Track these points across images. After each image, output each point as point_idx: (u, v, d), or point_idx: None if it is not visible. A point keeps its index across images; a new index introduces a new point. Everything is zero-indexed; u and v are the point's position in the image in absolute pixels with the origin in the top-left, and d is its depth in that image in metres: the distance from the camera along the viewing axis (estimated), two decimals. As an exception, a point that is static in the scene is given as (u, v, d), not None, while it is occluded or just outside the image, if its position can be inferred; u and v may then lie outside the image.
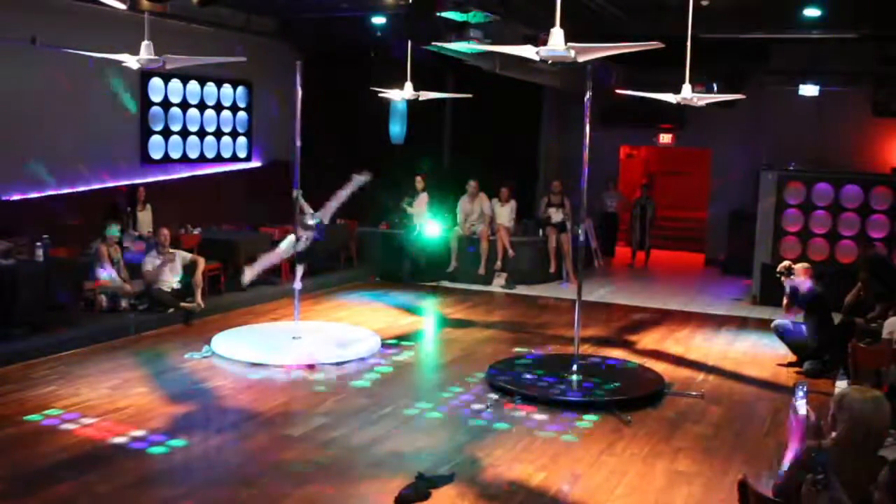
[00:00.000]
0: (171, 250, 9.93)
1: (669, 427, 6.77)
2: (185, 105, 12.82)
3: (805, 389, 3.50)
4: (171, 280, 9.90)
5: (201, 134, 13.16)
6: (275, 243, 12.25)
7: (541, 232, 13.54)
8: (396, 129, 13.35)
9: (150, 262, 9.81)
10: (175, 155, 12.69)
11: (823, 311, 8.55)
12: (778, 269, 8.81)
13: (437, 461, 5.86)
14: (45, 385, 7.37)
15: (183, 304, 9.78)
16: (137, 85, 11.94)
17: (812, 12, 9.65)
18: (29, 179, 10.46)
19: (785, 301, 8.75)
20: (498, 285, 12.84)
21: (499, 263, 12.95)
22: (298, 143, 9.01)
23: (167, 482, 5.57)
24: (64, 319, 8.97)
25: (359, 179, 9.41)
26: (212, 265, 10.69)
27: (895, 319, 7.08)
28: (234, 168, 13.77)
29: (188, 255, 10.19)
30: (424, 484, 5.37)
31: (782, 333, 8.82)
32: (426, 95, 10.18)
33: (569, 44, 5.27)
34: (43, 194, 10.63)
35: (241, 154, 13.91)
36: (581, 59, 5.42)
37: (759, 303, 11.82)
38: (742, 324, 10.83)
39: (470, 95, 11.64)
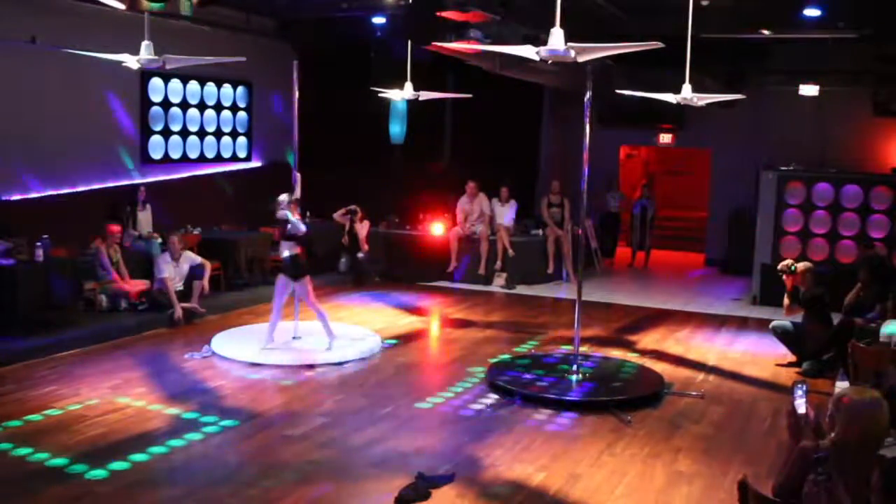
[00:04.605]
0: (180, 254, 9.96)
1: (669, 427, 6.77)
2: (185, 105, 12.83)
3: (804, 388, 3.50)
4: (176, 282, 9.90)
5: (201, 134, 13.16)
6: (275, 244, 12.31)
7: (540, 232, 13.55)
8: (396, 129, 13.35)
9: (167, 269, 9.78)
10: (175, 155, 12.70)
11: (823, 311, 8.55)
12: (779, 267, 8.81)
13: (437, 461, 5.86)
14: (45, 385, 7.38)
15: (183, 304, 9.79)
16: (137, 85, 11.95)
17: (812, 12, 9.64)
18: (28, 179, 10.46)
19: (785, 301, 8.76)
20: (498, 285, 12.84)
21: (499, 263, 12.95)
22: (296, 143, 9.02)
23: (167, 482, 5.57)
24: (64, 319, 8.97)
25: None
26: (212, 265, 10.68)
27: (893, 321, 7.08)
28: (234, 168, 13.77)
29: (197, 259, 10.18)
30: (424, 484, 5.38)
31: (781, 334, 8.83)
32: (426, 95, 10.17)
33: (569, 44, 5.27)
34: (43, 194, 10.63)
35: (241, 154, 13.92)
36: (581, 59, 5.42)
37: (759, 303, 11.82)
38: (742, 324, 10.83)
39: (470, 95, 11.64)
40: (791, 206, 11.98)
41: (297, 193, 8.89)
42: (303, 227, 8.58)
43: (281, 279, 8.67)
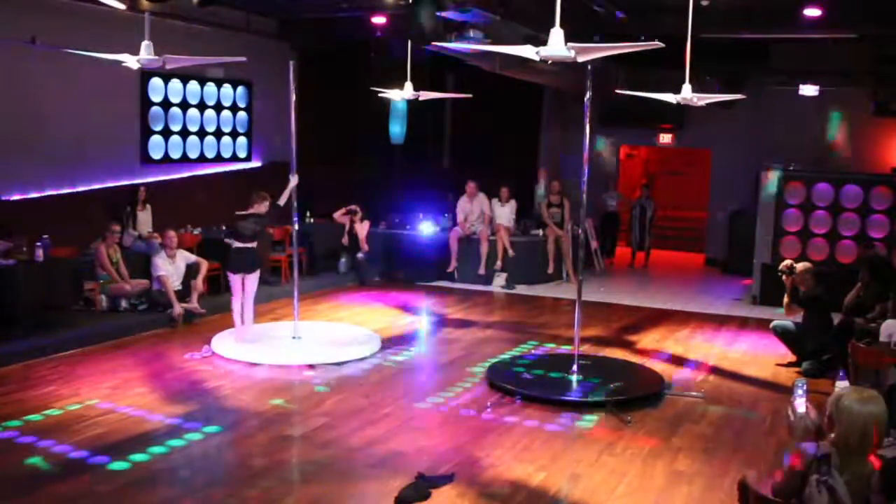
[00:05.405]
0: (175, 251, 9.95)
1: (669, 427, 6.77)
2: (185, 105, 12.82)
3: (805, 388, 3.50)
4: (174, 281, 9.90)
5: (201, 134, 13.15)
6: (276, 244, 12.32)
7: (540, 232, 13.56)
8: (396, 129, 13.36)
9: (164, 267, 9.78)
10: (175, 155, 12.69)
11: (823, 311, 8.55)
12: (780, 268, 8.82)
13: (437, 461, 5.86)
14: (45, 385, 7.38)
15: (183, 304, 9.78)
16: (137, 85, 11.95)
17: (812, 12, 9.64)
18: (29, 179, 10.46)
19: (785, 301, 8.76)
20: (498, 285, 12.84)
21: (499, 263, 12.95)
22: (294, 143, 9.02)
23: (167, 482, 5.57)
24: (64, 319, 8.97)
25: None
26: (212, 265, 10.68)
27: (893, 321, 7.08)
28: (234, 168, 13.77)
29: (193, 258, 10.18)
30: (424, 484, 5.38)
31: (781, 334, 8.83)
32: (426, 95, 10.17)
33: (569, 44, 5.27)
34: (43, 194, 10.63)
35: (241, 154, 13.91)
36: (581, 59, 5.41)
37: (759, 303, 11.82)
38: (742, 324, 10.84)
39: (470, 95, 11.65)
40: (791, 206, 11.98)
41: (285, 198, 8.96)
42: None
43: (237, 276, 8.75)
